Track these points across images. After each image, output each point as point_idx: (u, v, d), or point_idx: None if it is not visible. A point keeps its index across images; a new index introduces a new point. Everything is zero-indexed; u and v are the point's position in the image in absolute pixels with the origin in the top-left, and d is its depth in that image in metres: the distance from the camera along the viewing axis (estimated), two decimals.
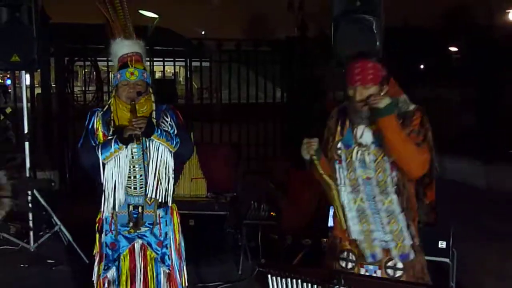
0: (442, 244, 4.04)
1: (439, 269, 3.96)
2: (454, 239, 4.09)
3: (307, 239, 4.53)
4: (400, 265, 2.76)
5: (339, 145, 2.83)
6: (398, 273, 2.77)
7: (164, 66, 8.96)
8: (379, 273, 2.78)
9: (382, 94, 2.69)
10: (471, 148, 8.59)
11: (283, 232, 4.64)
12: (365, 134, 2.75)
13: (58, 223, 5.30)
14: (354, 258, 2.84)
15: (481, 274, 4.68)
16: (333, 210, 2.95)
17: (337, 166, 2.82)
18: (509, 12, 24.53)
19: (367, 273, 2.79)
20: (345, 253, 2.88)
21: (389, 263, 2.77)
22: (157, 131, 3.01)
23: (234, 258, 4.99)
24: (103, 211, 3.11)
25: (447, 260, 4.05)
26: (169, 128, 3.12)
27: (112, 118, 3.09)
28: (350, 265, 2.84)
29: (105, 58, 8.15)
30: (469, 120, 10.96)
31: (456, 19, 26.28)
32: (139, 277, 3.14)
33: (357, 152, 2.75)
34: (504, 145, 9.32)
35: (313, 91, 9.08)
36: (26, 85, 5.90)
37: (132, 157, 3.06)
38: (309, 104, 9.11)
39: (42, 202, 5.28)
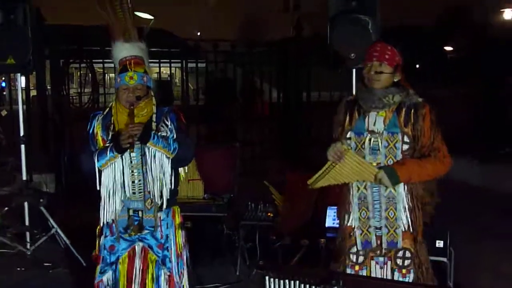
0: (439, 244, 4.04)
1: (437, 269, 3.96)
2: (452, 239, 4.09)
3: (304, 239, 4.53)
4: (408, 254, 2.88)
5: (348, 134, 2.94)
6: (407, 262, 2.89)
7: (159, 67, 8.94)
8: (389, 264, 2.91)
9: (395, 80, 2.90)
10: (468, 147, 8.60)
11: (281, 233, 4.63)
12: (377, 121, 2.89)
13: (55, 226, 5.28)
14: (364, 252, 2.92)
15: (479, 273, 4.68)
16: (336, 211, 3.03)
17: None
18: (504, 11, 24.61)
19: (377, 265, 2.92)
20: (355, 247, 2.94)
21: (399, 254, 2.89)
22: (153, 138, 2.99)
23: (231, 259, 4.97)
24: (101, 218, 3.10)
25: (444, 259, 4.06)
26: (169, 132, 3.08)
27: (112, 122, 3.08)
28: (360, 259, 2.93)
29: (101, 60, 8.17)
30: (465, 118, 10.98)
31: (451, 19, 26.35)
32: (136, 280, 3.13)
33: (370, 139, 2.88)
34: (500, 144, 9.34)
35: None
36: (21, 87, 5.88)
37: (131, 162, 3.04)
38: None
39: (44, 212, 5.26)
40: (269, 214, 4.89)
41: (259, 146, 9.18)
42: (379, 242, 2.91)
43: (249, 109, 9.64)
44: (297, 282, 2.25)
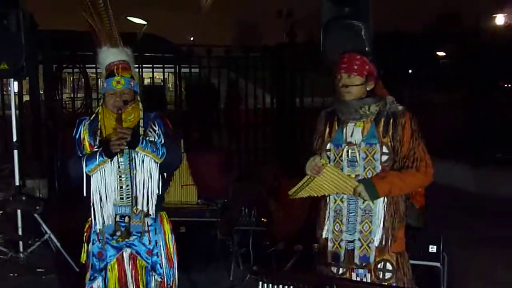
0: (432, 249, 4.04)
1: (430, 274, 3.97)
2: (445, 244, 4.10)
3: (298, 245, 4.51)
4: (389, 266, 2.81)
5: (328, 146, 2.89)
6: (388, 275, 2.81)
7: (153, 72, 8.93)
8: (368, 277, 2.83)
9: (368, 89, 2.82)
10: (461, 152, 8.64)
11: (275, 238, 4.63)
12: (355, 133, 2.81)
13: (48, 231, 5.25)
14: (344, 265, 2.88)
15: (471, 279, 4.69)
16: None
17: None
18: (496, 16, 24.80)
19: (357, 278, 2.84)
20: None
21: (379, 266, 2.81)
22: (142, 143, 2.99)
23: (225, 264, 4.97)
24: (93, 225, 3.10)
25: (437, 264, 4.06)
26: (156, 137, 3.08)
27: (99, 127, 3.08)
28: (341, 270, 2.88)
29: (94, 65, 8.14)
30: (458, 124, 11.03)
31: (444, 24, 26.52)
32: (131, 286, 3.12)
33: (347, 151, 2.81)
34: (493, 149, 9.38)
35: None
36: (14, 92, 5.86)
37: (119, 167, 3.03)
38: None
39: (37, 218, 5.24)
40: (263, 219, 4.89)
41: (253, 151, 9.18)
42: (349, 256, 2.84)
43: (242, 115, 9.64)
44: (291, 287, 2.25)
